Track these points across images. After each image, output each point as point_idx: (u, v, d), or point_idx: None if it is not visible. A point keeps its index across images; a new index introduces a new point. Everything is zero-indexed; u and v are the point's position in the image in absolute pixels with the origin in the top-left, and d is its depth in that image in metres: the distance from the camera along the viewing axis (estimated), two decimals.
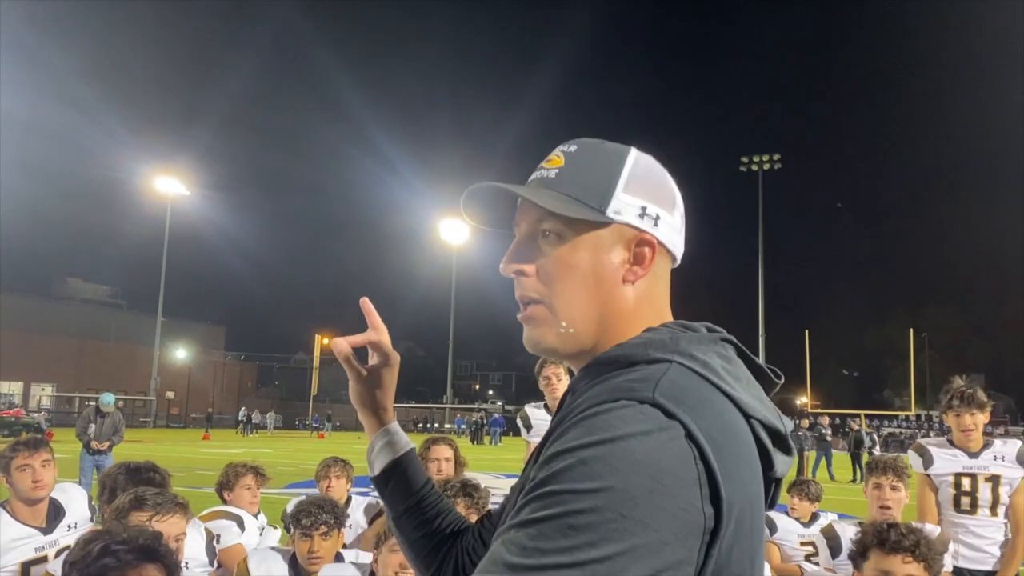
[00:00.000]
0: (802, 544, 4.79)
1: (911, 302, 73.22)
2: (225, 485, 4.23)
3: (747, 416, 0.89)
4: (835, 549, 3.92)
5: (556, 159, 1.05)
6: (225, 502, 4.19)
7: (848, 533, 3.67)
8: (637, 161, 1.03)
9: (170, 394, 58.40)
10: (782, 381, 1.01)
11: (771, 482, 0.94)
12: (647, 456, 0.76)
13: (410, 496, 1.24)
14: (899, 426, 54.08)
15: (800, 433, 24.08)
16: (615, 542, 0.73)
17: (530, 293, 1.03)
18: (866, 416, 44.17)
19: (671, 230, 1.04)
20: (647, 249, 1.00)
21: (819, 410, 42.67)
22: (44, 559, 3.28)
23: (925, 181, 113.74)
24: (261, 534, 4.16)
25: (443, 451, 4.32)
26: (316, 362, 69.65)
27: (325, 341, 69.01)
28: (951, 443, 4.18)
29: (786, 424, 0.94)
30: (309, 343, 73.60)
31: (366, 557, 3.29)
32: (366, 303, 1.27)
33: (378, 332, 1.26)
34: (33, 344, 52.63)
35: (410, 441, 1.29)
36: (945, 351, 65.97)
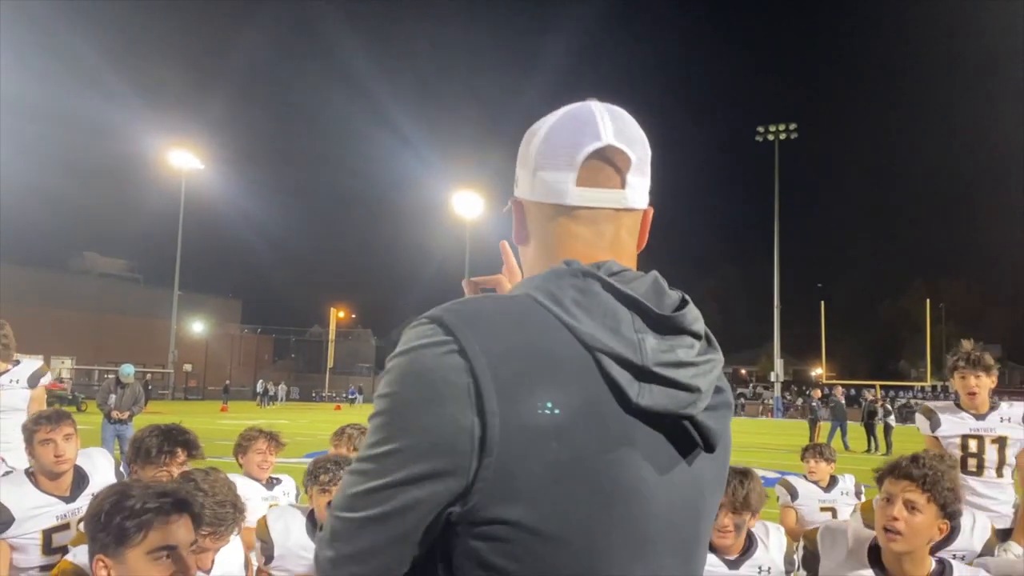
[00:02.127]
0: (822, 509, 4.81)
1: (928, 273, 72.76)
2: (238, 449, 4.33)
3: (589, 347, 0.91)
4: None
5: None
6: (240, 466, 4.28)
7: None
8: (528, 132, 1.12)
9: (188, 367, 58.83)
10: (682, 312, 0.99)
11: (654, 415, 0.93)
12: (421, 367, 0.88)
13: None
14: (915, 397, 53.90)
15: (813, 403, 24.09)
16: (395, 441, 0.87)
17: None
18: (881, 387, 44.01)
19: (525, 185, 1.10)
20: (513, 214, 1.12)
21: (834, 381, 42.55)
22: (66, 527, 3.30)
23: (942, 151, 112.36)
24: (271, 504, 4.23)
25: None
26: (332, 335, 70.00)
27: (340, 314, 69.48)
28: (958, 406, 4.21)
29: (660, 356, 0.93)
30: (324, 316, 74.02)
31: None
32: (504, 246, 1.29)
33: (512, 275, 1.28)
34: (52, 318, 53.09)
35: None
36: (962, 322, 65.51)
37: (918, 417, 4.36)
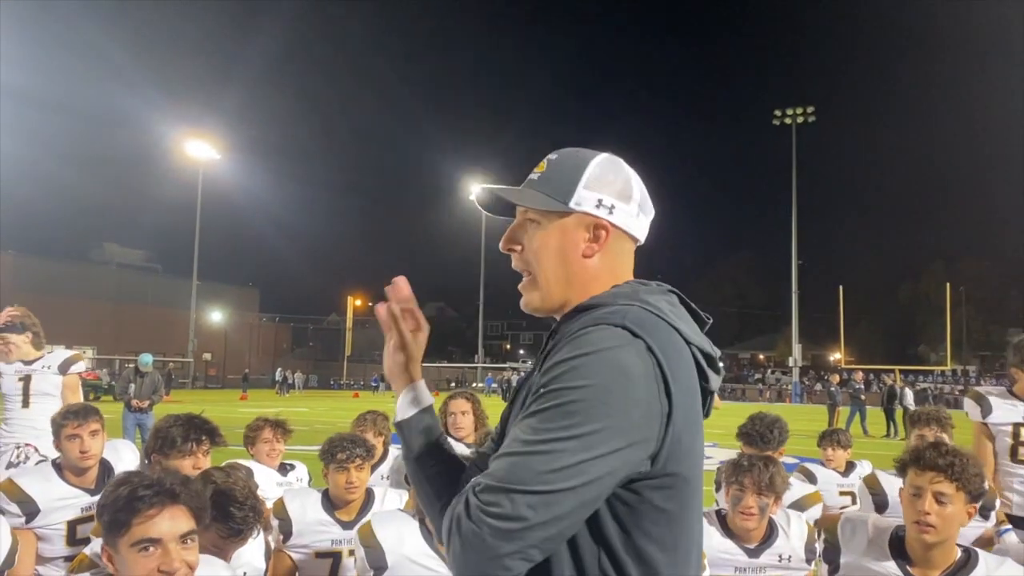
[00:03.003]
0: (841, 494, 4.79)
1: (947, 255, 71.81)
2: (247, 440, 4.38)
3: (688, 342, 1.26)
4: (881, 505, 3.79)
5: (541, 165, 1.41)
6: (251, 456, 4.33)
7: (895, 484, 3.61)
8: (600, 163, 1.37)
9: (207, 356, 59.27)
10: (711, 321, 1.37)
11: (707, 393, 1.30)
12: (619, 362, 1.14)
13: (430, 440, 1.38)
14: (934, 381, 53.51)
15: (832, 388, 23.95)
16: (598, 421, 1.10)
17: (521, 266, 1.40)
18: (901, 371, 43.71)
19: (627, 216, 1.37)
20: (602, 231, 1.35)
21: (853, 365, 42.27)
22: (91, 518, 3.32)
23: (962, 132, 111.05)
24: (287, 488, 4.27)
25: (460, 405, 4.44)
26: (349, 323, 70.23)
27: (357, 302, 69.63)
28: (1011, 393, 4.09)
29: (715, 350, 1.32)
30: (342, 304, 74.20)
31: (393, 494, 3.46)
32: (399, 283, 1.43)
33: (412, 300, 1.45)
34: (73, 308, 53.53)
35: (431, 398, 1.44)
36: (982, 305, 64.84)
37: (967, 402, 4.23)
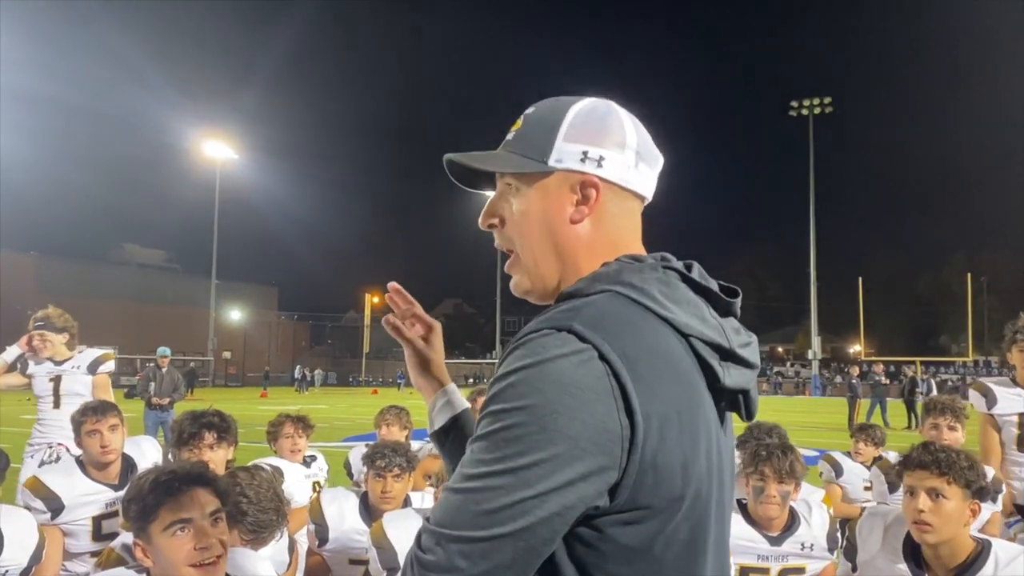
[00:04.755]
0: (866, 488, 4.77)
1: (968, 246, 71.26)
2: (269, 437, 4.42)
3: (684, 335, 1.00)
4: (893, 484, 3.88)
5: (517, 122, 1.18)
6: (275, 453, 4.37)
7: None
8: (579, 110, 1.13)
9: (227, 354, 59.64)
10: (738, 297, 1.11)
11: (725, 392, 1.04)
12: (564, 375, 0.89)
13: None
14: (956, 372, 53.06)
15: (852, 381, 23.79)
16: (540, 451, 0.87)
17: (504, 244, 1.18)
18: (922, 363, 43.35)
19: (621, 168, 1.13)
20: (591, 190, 1.11)
21: (873, 357, 41.98)
22: (115, 514, 3.37)
23: (981, 121, 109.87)
24: (314, 481, 4.31)
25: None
26: (367, 320, 70.47)
27: (375, 299, 69.83)
28: (1014, 382, 4.06)
29: (735, 339, 1.05)
30: (359, 302, 74.48)
31: (431, 501, 3.38)
32: (393, 293, 1.41)
33: (413, 305, 1.41)
34: (94, 309, 53.98)
35: (466, 400, 1.39)
36: (1004, 295, 64.14)
37: (972, 394, 4.21)
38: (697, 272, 1.09)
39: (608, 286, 1.02)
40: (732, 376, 1.03)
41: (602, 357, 0.91)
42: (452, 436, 1.33)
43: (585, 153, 1.11)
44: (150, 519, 1.91)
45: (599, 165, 1.11)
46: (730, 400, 1.07)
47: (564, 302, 1.03)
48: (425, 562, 0.89)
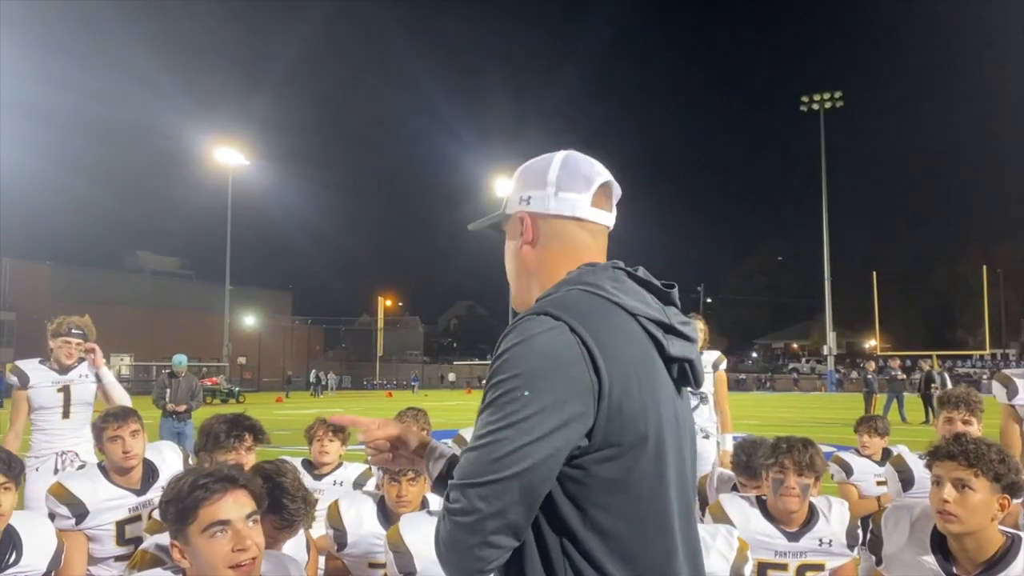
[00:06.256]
0: (879, 483, 4.75)
1: (983, 238, 70.67)
2: (308, 439, 4.43)
3: (633, 315, 1.30)
4: (907, 482, 3.85)
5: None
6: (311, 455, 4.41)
7: (919, 463, 3.59)
8: (528, 166, 1.50)
9: (242, 359, 59.97)
10: (674, 288, 1.39)
11: (674, 361, 1.33)
12: (544, 347, 1.20)
13: None
14: (973, 366, 52.66)
15: (868, 376, 23.68)
16: (532, 406, 1.16)
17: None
18: (938, 357, 43.07)
19: (542, 200, 1.45)
20: (522, 222, 1.46)
21: (889, 352, 41.76)
22: (138, 518, 3.41)
23: (994, 113, 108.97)
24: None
25: None
26: (380, 323, 70.64)
27: (387, 303, 70.05)
28: None
29: (675, 318, 1.35)
30: (372, 305, 74.64)
31: None
32: (336, 420, 1.67)
33: (368, 432, 1.54)
34: (109, 316, 54.27)
35: (450, 447, 1.53)
36: (1021, 287, 63.71)
37: (994, 385, 4.22)
38: (643, 272, 1.39)
39: (571, 286, 1.32)
40: (675, 346, 1.33)
41: (572, 330, 1.21)
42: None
43: (520, 197, 1.47)
44: (188, 521, 1.93)
45: (528, 203, 1.46)
46: (680, 371, 1.36)
47: (541, 301, 1.34)
48: (452, 510, 1.17)
